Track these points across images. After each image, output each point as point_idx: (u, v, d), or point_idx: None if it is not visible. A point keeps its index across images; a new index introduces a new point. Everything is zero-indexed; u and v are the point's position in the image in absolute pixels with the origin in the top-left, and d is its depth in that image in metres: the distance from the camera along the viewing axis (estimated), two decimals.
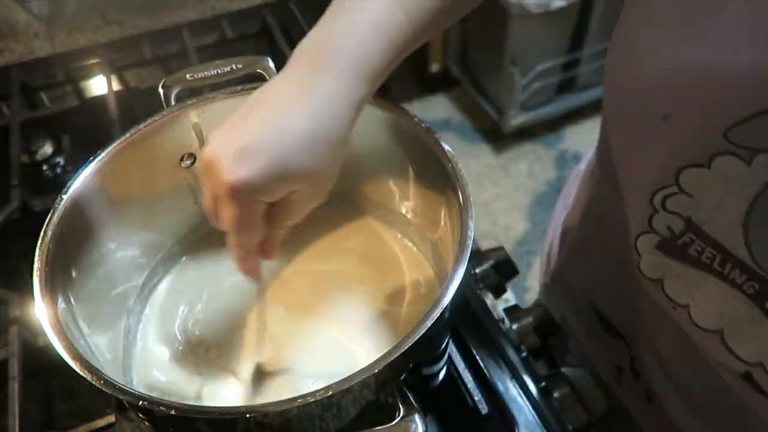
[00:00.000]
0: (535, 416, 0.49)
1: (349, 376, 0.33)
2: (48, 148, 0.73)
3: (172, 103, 0.50)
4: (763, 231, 0.35)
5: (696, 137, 0.35)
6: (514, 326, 0.56)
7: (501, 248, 0.62)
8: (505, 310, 0.59)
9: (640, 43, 0.38)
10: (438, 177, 0.46)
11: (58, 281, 0.40)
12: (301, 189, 0.37)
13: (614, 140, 0.46)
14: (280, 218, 0.39)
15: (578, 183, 0.64)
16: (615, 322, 0.55)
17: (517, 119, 1.87)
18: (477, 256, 0.61)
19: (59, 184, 0.45)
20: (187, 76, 0.50)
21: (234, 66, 0.51)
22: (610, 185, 0.48)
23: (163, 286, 0.54)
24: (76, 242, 0.44)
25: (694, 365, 0.45)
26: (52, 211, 0.42)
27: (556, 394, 0.52)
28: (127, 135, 0.47)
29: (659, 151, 0.38)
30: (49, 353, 0.36)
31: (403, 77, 2.07)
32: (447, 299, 0.36)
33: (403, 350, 0.33)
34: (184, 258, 0.56)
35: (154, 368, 0.48)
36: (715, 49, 0.32)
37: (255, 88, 0.49)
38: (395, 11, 0.38)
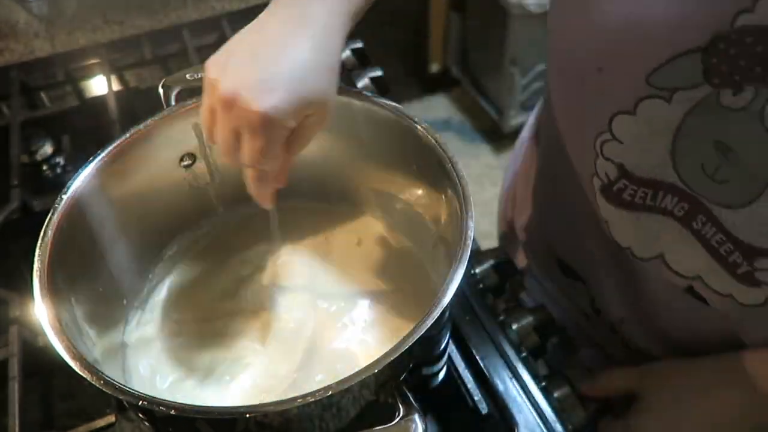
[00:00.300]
0: (535, 416, 0.49)
1: (349, 376, 0.33)
2: (48, 148, 0.73)
3: (172, 103, 0.50)
4: (686, 157, 0.40)
5: (624, 85, 0.40)
6: (514, 326, 0.56)
7: (501, 248, 0.62)
8: (505, 310, 0.59)
9: (573, 3, 0.43)
10: (438, 177, 0.46)
11: (58, 281, 0.40)
12: (314, 114, 0.41)
13: (558, 97, 0.50)
14: (293, 145, 0.42)
15: (524, 148, 0.71)
16: (574, 267, 0.60)
17: (517, 119, 1.87)
18: (477, 256, 0.61)
19: (59, 184, 0.45)
20: (187, 76, 0.50)
21: None
22: (556, 140, 0.52)
23: (164, 285, 0.54)
24: (76, 242, 0.44)
25: (641, 290, 0.51)
26: (52, 211, 0.42)
27: (556, 394, 0.52)
28: (127, 135, 0.47)
29: (596, 101, 0.43)
30: (49, 353, 0.36)
31: (403, 77, 2.07)
32: (447, 299, 0.36)
33: (403, 350, 0.33)
34: (184, 257, 0.55)
35: (154, 367, 0.48)
36: (634, 3, 0.37)
37: None
38: None
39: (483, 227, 1.96)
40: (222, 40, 0.82)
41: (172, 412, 0.32)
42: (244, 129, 0.39)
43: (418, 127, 0.47)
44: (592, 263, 0.56)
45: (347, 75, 0.75)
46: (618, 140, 0.43)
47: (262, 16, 0.43)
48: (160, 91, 0.50)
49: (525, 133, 0.72)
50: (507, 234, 0.77)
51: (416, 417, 0.33)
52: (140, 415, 0.38)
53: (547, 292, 0.68)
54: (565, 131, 0.50)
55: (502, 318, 0.58)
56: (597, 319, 0.60)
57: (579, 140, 0.48)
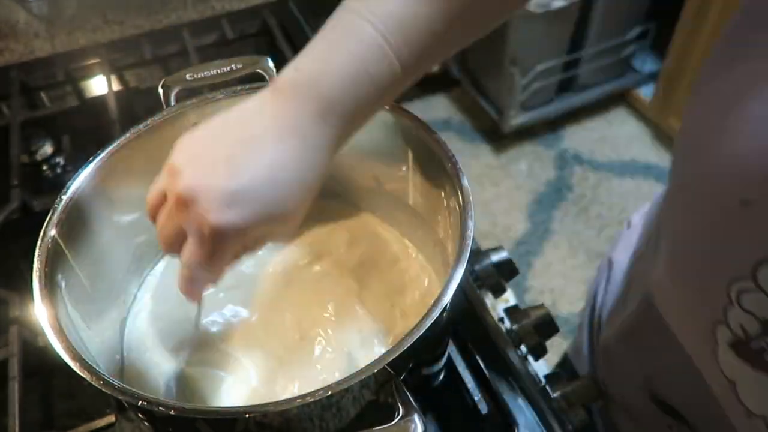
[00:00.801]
0: (535, 416, 0.49)
1: (349, 376, 0.33)
2: (48, 148, 0.73)
3: (172, 103, 0.50)
4: None
5: None
6: (514, 326, 0.56)
7: (501, 248, 0.62)
8: (505, 310, 0.59)
9: (730, 120, 0.34)
10: (438, 177, 0.46)
11: (58, 281, 0.40)
12: (276, 232, 0.38)
13: (681, 227, 0.41)
14: (242, 253, 0.40)
15: (616, 268, 0.59)
16: (676, 406, 0.50)
17: (517, 119, 1.87)
18: (477, 256, 0.61)
19: (59, 184, 0.45)
20: (187, 76, 0.50)
21: (234, 66, 0.51)
22: (672, 274, 0.44)
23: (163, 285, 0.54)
24: (76, 242, 0.44)
25: None
26: (52, 211, 0.42)
27: (556, 394, 0.52)
28: (127, 135, 0.47)
29: (735, 242, 0.35)
30: (49, 353, 0.36)
31: None
32: (447, 299, 0.36)
33: (402, 350, 0.33)
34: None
35: (154, 367, 0.48)
36: None
37: (255, 88, 0.50)
38: (388, 60, 0.37)
39: (483, 227, 1.97)
40: (222, 40, 0.82)
41: (172, 412, 0.32)
42: (191, 232, 0.36)
43: (418, 126, 0.47)
44: (701, 408, 0.46)
45: None
46: (765, 292, 0.34)
47: (254, 104, 0.37)
48: (160, 91, 0.50)
49: (620, 256, 0.61)
50: (578, 349, 0.67)
51: (416, 417, 0.33)
52: (140, 415, 0.38)
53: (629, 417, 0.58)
54: (684, 270, 0.42)
55: (502, 318, 0.58)
56: None
57: (704, 281, 0.39)
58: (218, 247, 0.36)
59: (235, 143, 0.36)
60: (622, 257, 0.59)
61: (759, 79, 0.32)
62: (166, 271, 0.54)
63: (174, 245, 0.38)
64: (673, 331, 0.45)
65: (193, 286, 0.40)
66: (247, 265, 0.55)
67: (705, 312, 0.39)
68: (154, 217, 0.39)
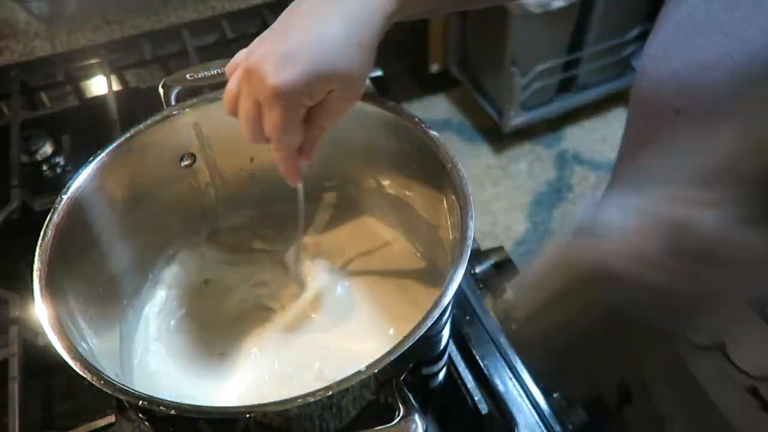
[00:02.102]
0: (535, 416, 0.49)
1: (349, 376, 0.33)
2: (48, 148, 0.73)
3: (172, 103, 0.50)
4: None
5: None
6: (514, 326, 0.56)
7: (501, 248, 0.62)
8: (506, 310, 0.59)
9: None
10: (438, 177, 0.46)
11: (58, 281, 0.40)
12: (337, 89, 0.40)
13: (630, 137, 0.46)
14: (317, 119, 0.41)
15: None
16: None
17: (517, 119, 1.87)
18: (477, 256, 0.61)
19: (59, 184, 0.45)
20: (187, 76, 0.50)
21: None
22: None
23: (163, 285, 0.54)
24: (76, 242, 0.44)
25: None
26: (52, 211, 0.42)
27: (556, 395, 0.52)
28: (127, 135, 0.47)
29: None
30: (49, 353, 0.36)
31: (403, 77, 2.07)
32: (447, 299, 0.36)
33: (403, 350, 0.33)
34: (184, 257, 0.55)
35: (154, 367, 0.48)
36: None
37: None
38: None
39: (483, 227, 1.96)
40: (222, 40, 0.82)
41: (172, 412, 0.32)
42: (261, 101, 0.39)
43: (418, 126, 0.47)
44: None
45: None
46: None
47: None
48: (160, 91, 0.50)
49: None
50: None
51: (416, 417, 0.33)
52: (140, 415, 0.38)
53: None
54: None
55: (502, 318, 0.58)
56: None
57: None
58: (285, 107, 0.38)
59: (293, 15, 0.40)
60: None
61: None
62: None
63: (254, 124, 0.40)
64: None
65: (288, 164, 0.43)
66: (246, 266, 0.55)
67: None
68: (232, 109, 0.41)
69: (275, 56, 0.37)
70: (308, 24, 0.38)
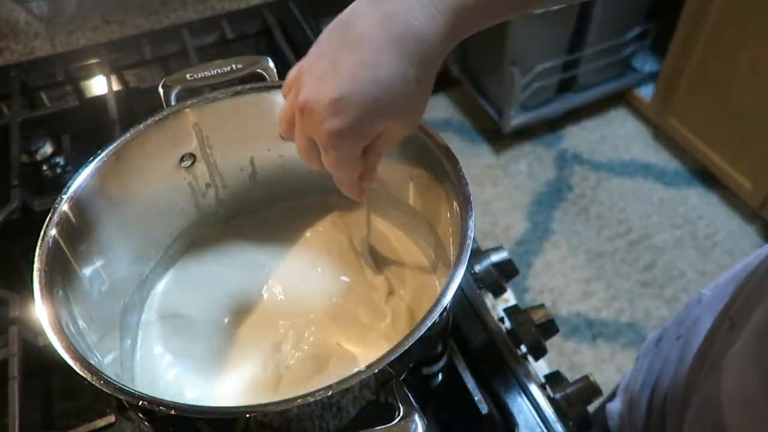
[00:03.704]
0: (535, 416, 0.49)
1: (349, 376, 0.33)
2: (48, 148, 0.73)
3: (172, 103, 0.50)
4: None
5: None
6: (514, 326, 0.56)
7: (501, 248, 0.62)
8: (505, 310, 0.59)
9: None
10: (438, 177, 0.46)
11: (58, 281, 0.40)
12: (395, 126, 0.39)
13: None
14: (375, 149, 0.41)
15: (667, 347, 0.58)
16: None
17: (517, 119, 1.87)
18: (477, 256, 0.61)
19: (59, 184, 0.45)
20: (187, 76, 0.50)
21: (234, 66, 0.51)
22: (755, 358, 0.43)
23: (163, 285, 0.54)
24: (76, 242, 0.44)
25: None
26: (52, 211, 0.42)
27: (556, 395, 0.52)
28: (127, 135, 0.47)
29: None
30: (49, 353, 0.36)
31: None
32: (447, 299, 0.36)
33: (403, 350, 0.33)
34: (183, 258, 0.55)
35: (154, 367, 0.48)
36: None
37: (255, 88, 0.50)
38: None
39: (483, 227, 1.96)
40: (222, 40, 0.82)
41: (172, 412, 0.32)
42: (318, 142, 0.39)
43: (419, 127, 0.47)
44: None
45: None
46: None
47: (356, 3, 0.38)
48: (160, 91, 0.50)
49: (671, 333, 0.60)
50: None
51: (416, 417, 0.33)
52: (140, 415, 0.38)
53: None
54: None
55: (502, 318, 0.58)
56: None
57: None
58: (341, 151, 0.38)
59: (342, 48, 0.37)
60: (694, 336, 0.56)
61: None
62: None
63: (311, 157, 0.41)
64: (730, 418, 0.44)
65: (350, 190, 0.44)
66: (246, 266, 0.55)
67: None
68: (288, 136, 0.42)
69: (326, 101, 0.36)
70: (360, 61, 0.36)
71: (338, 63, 0.36)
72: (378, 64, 0.36)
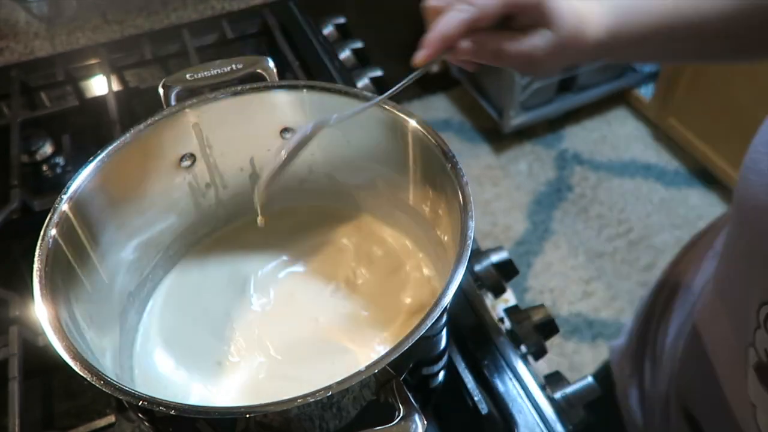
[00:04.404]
0: (535, 416, 0.49)
1: (349, 376, 0.33)
2: (48, 148, 0.73)
3: (172, 103, 0.50)
4: None
5: None
6: (514, 326, 0.56)
7: (501, 248, 0.62)
8: (505, 310, 0.59)
9: None
10: (438, 177, 0.46)
11: (57, 281, 0.40)
12: (526, 18, 0.41)
13: (729, 249, 0.44)
14: (494, 43, 0.42)
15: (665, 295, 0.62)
16: (704, 427, 0.51)
17: (517, 119, 1.87)
18: (477, 256, 0.61)
19: (59, 184, 0.45)
20: (187, 76, 0.50)
21: (234, 66, 0.51)
22: (718, 292, 0.46)
23: (163, 285, 0.54)
24: (76, 242, 0.44)
25: None
26: (52, 211, 0.42)
27: (556, 395, 0.52)
28: (127, 135, 0.47)
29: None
30: (49, 353, 0.36)
31: (403, 77, 2.07)
32: (447, 299, 0.36)
33: (403, 350, 0.33)
34: (184, 258, 0.55)
35: (154, 367, 0.48)
36: None
37: (255, 88, 0.50)
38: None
39: (483, 227, 1.96)
40: (222, 40, 0.82)
41: (172, 412, 0.32)
42: None
43: (418, 126, 0.47)
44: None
45: (347, 75, 0.75)
46: None
47: None
48: (160, 91, 0.50)
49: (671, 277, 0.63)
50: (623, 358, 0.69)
51: (416, 417, 0.33)
52: (140, 415, 0.38)
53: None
54: (725, 290, 0.44)
55: (502, 318, 0.58)
56: None
57: (739, 303, 0.41)
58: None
59: None
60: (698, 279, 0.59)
61: None
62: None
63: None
64: (710, 357, 0.46)
65: (437, 38, 0.42)
66: (246, 266, 0.55)
67: (739, 334, 0.39)
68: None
69: None
70: None
71: None
72: None
